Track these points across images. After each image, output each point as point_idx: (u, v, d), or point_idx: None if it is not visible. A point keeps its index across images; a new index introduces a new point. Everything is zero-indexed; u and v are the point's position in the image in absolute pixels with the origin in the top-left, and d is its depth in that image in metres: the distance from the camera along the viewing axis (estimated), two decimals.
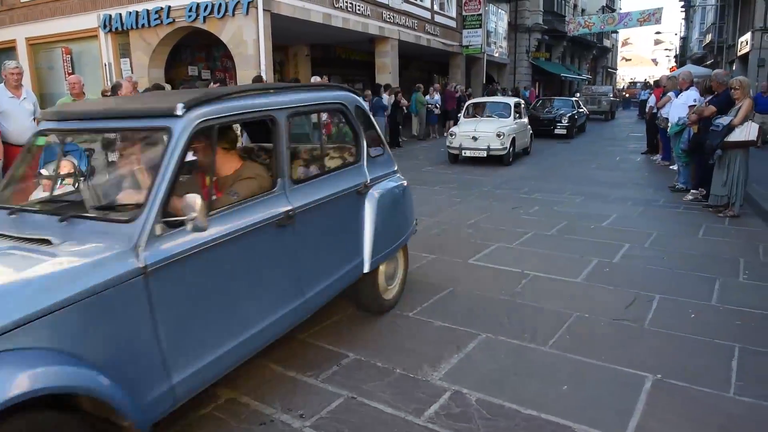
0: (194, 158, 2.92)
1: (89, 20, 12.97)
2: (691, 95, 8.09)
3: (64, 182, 3.07)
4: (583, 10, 39.35)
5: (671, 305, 3.95)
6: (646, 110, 13.15)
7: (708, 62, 31.92)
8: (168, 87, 10.90)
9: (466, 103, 13.45)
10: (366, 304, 3.75)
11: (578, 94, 27.60)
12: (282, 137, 2.80)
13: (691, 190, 7.73)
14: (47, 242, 2.08)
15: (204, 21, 11.60)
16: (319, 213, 3.01)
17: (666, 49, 75.76)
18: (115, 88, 7.85)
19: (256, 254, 2.58)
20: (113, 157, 3.24)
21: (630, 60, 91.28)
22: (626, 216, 6.85)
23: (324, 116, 6.57)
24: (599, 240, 5.72)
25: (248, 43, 11.49)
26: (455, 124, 13.10)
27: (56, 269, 1.91)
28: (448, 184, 9.33)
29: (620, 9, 46.94)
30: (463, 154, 11.49)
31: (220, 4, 11.33)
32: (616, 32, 48.60)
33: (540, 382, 2.95)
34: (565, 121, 17.12)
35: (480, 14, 21.69)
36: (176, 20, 11.88)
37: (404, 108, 15.36)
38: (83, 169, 3.36)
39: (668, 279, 4.51)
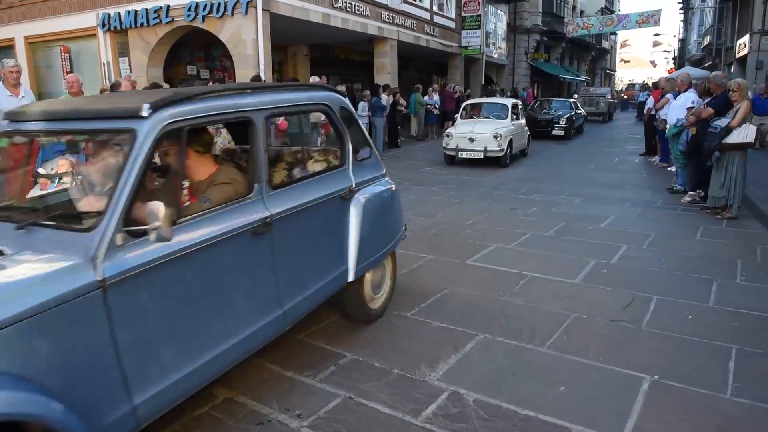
0: (165, 162, 2.80)
1: (88, 19, 12.94)
2: (690, 97, 8.11)
3: (61, 181, 3.06)
4: (582, 12, 39.42)
5: (669, 306, 3.96)
6: (645, 112, 13.17)
7: (706, 64, 32.00)
8: (166, 86, 10.89)
9: (463, 104, 13.44)
10: (351, 313, 3.61)
11: (576, 96, 27.63)
12: (259, 140, 2.66)
13: (689, 192, 7.74)
14: None
15: (203, 20, 11.59)
16: (300, 220, 2.87)
17: (664, 51, 76.04)
18: (114, 87, 7.84)
19: (229, 264, 2.45)
20: (79, 160, 3.12)
21: (629, 62, 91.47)
22: (624, 217, 6.86)
23: (322, 117, 6.51)
24: (597, 241, 5.72)
25: (247, 42, 11.48)
26: (454, 124, 13.10)
27: (3, 282, 1.78)
28: (446, 184, 9.33)
29: (619, 11, 47.04)
30: (459, 156, 11.46)
31: (219, 4, 11.32)
32: (615, 34, 48.65)
33: (537, 382, 2.96)
34: (563, 123, 17.10)
35: (479, 15, 21.70)
36: (175, 19, 11.87)
37: (402, 108, 15.33)
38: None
39: (666, 280, 4.52)
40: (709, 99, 7.24)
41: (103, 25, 12.69)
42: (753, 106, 7.35)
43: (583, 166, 11.71)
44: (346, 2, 14.13)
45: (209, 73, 15.12)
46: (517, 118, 12.55)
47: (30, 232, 2.04)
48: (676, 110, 8.24)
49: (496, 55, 26.20)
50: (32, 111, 2.55)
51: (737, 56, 23.72)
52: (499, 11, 26.30)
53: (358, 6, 14.73)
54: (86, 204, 2.41)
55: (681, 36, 48.43)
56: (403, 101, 15.50)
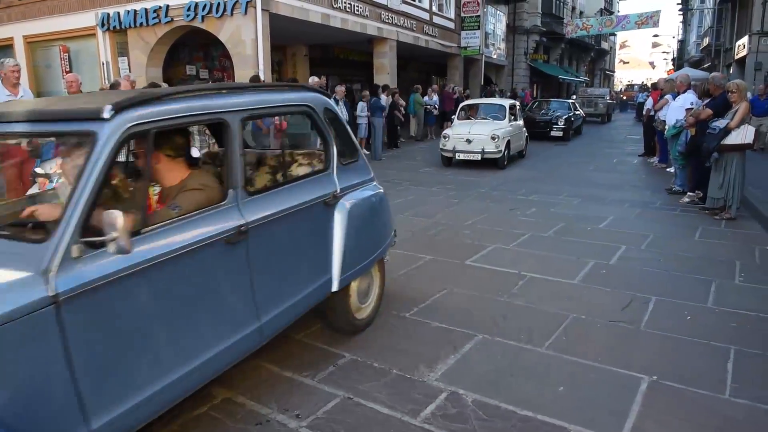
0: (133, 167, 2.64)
1: (87, 18, 12.93)
2: (689, 98, 8.12)
3: (60, 181, 3.06)
4: (581, 13, 39.44)
5: (667, 307, 3.96)
6: (644, 113, 13.19)
7: (705, 65, 32.04)
8: (165, 86, 10.88)
9: (460, 105, 13.40)
10: (336, 324, 3.47)
11: (575, 96, 27.63)
12: (234, 143, 2.51)
13: (688, 193, 7.76)
14: None
15: (202, 20, 11.59)
16: (278, 227, 2.72)
17: (663, 52, 76.11)
18: (114, 87, 7.85)
19: (199, 276, 2.29)
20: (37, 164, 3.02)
21: (628, 63, 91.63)
22: (623, 218, 6.87)
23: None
24: (596, 242, 5.73)
25: (246, 42, 11.48)
26: (451, 125, 13.09)
27: None
28: (445, 185, 9.33)
29: (618, 12, 47.06)
30: (456, 157, 11.39)
31: (219, 4, 11.31)
32: (614, 35, 48.71)
33: (536, 383, 2.96)
34: (561, 123, 17.05)
35: (478, 16, 21.71)
36: (174, 19, 11.86)
37: (401, 109, 15.31)
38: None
39: (664, 281, 4.53)
40: (708, 100, 7.25)
41: (103, 25, 12.68)
42: (751, 107, 7.36)
43: (582, 167, 11.71)
44: (345, 2, 14.13)
45: (208, 73, 15.11)
46: (515, 119, 12.52)
47: None
48: (675, 111, 8.25)
49: (495, 56, 26.21)
50: None
51: (736, 57, 23.76)
52: (498, 12, 26.32)
53: (357, 6, 14.74)
54: (41, 212, 2.29)
55: (680, 37, 48.49)
56: (402, 101, 15.49)
